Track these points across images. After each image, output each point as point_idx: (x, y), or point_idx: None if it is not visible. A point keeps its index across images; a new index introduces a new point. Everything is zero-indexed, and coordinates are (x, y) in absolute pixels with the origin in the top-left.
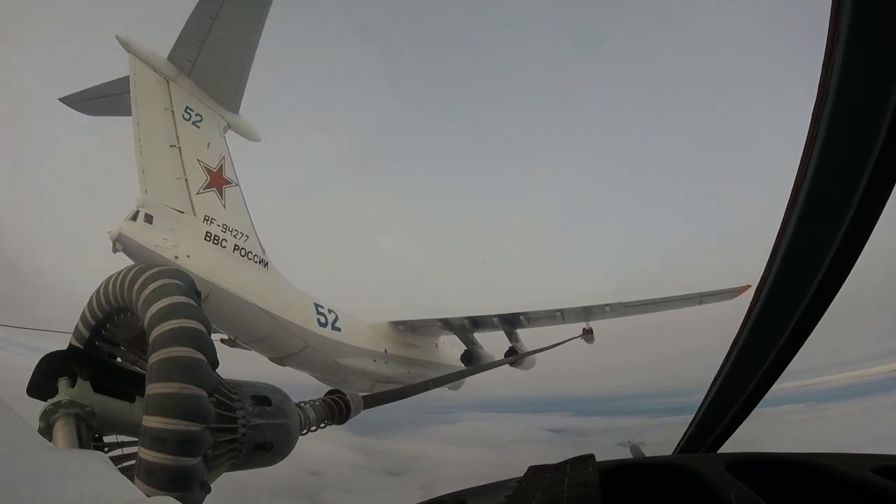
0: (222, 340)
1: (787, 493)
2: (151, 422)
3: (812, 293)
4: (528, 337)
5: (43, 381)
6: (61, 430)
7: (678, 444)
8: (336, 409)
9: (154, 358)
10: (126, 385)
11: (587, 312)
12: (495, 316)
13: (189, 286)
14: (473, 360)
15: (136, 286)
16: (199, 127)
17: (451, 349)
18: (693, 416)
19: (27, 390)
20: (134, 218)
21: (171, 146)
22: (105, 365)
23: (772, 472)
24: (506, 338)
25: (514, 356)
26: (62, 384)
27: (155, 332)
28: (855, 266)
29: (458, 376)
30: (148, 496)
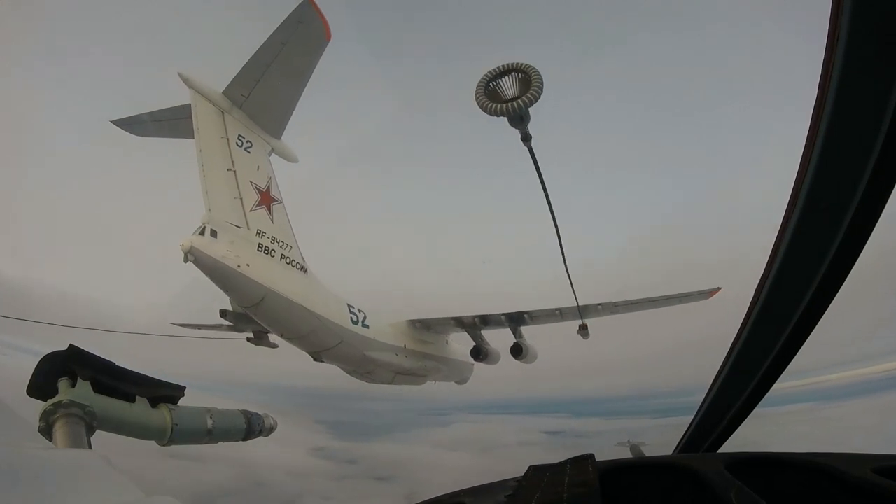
0: (248, 339)
1: (786, 492)
2: None
3: (812, 293)
4: (530, 332)
5: (43, 382)
6: (61, 430)
7: (678, 444)
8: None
9: None
10: (126, 385)
11: (583, 311)
12: (502, 314)
13: None
14: (481, 355)
15: None
16: (249, 152)
17: (459, 346)
18: (693, 415)
19: (27, 390)
20: (202, 233)
21: (227, 170)
22: (105, 365)
23: (772, 472)
24: (498, 338)
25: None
26: (62, 384)
27: None
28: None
29: None
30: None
